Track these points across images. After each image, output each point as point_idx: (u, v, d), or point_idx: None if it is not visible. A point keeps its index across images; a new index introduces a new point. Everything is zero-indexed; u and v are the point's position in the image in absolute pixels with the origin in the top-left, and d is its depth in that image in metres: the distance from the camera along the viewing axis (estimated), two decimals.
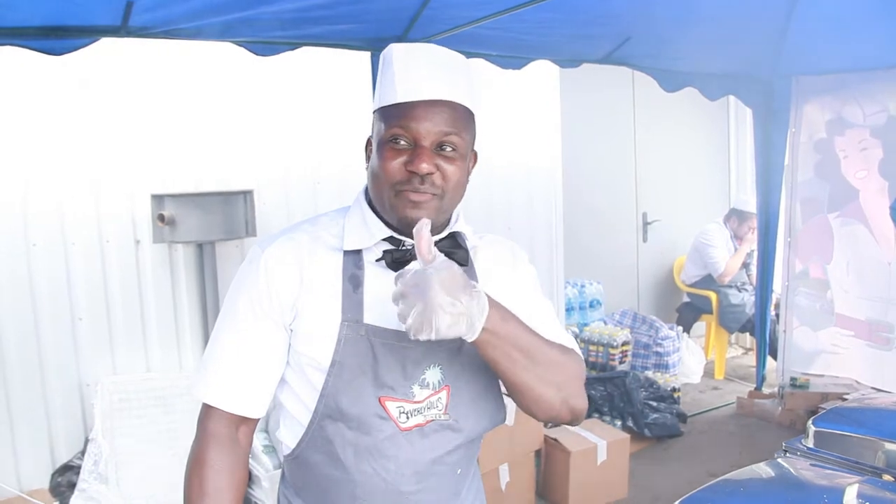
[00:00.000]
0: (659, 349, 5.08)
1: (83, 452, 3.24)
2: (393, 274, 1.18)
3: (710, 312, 5.64)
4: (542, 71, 4.44)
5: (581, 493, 3.51)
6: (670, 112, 5.97)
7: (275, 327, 1.25)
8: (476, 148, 1.37)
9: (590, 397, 4.27)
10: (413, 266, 1.08)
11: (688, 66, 4.11)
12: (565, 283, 5.09)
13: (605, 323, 5.28)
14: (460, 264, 1.24)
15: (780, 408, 4.51)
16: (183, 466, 1.29)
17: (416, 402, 1.24)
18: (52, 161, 3.32)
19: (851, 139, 4.26)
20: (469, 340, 1.09)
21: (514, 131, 4.58)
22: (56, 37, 2.52)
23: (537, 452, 3.61)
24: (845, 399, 3.98)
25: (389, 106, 1.22)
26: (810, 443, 2.16)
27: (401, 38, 3.22)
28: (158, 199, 3.31)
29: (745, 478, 1.95)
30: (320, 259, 1.26)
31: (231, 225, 3.36)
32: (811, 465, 2.06)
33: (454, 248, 1.29)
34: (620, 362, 4.82)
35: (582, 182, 5.51)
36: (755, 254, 5.72)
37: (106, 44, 2.66)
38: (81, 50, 2.59)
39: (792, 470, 2.02)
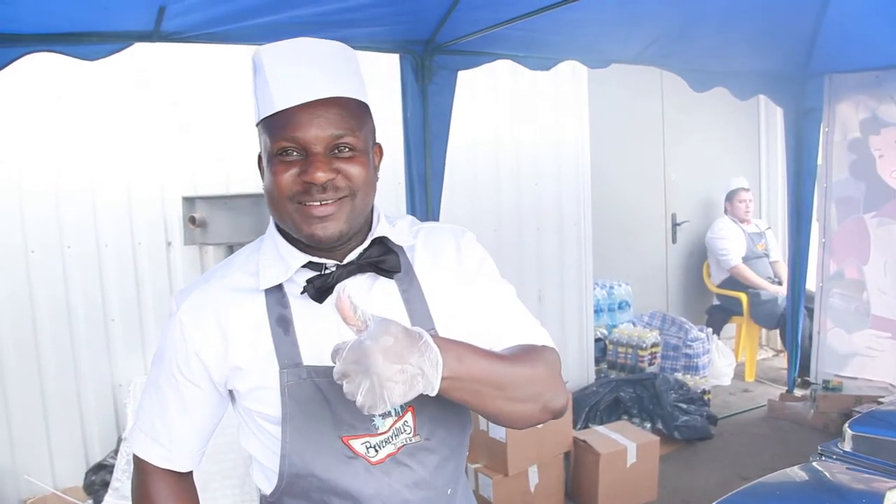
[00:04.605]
0: (688, 351, 5.03)
1: (116, 451, 3.28)
2: (327, 305, 1.12)
3: (740, 314, 5.57)
4: (571, 71, 4.44)
5: (610, 495, 3.48)
6: (699, 112, 5.91)
7: (199, 391, 1.19)
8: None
9: (619, 399, 4.25)
10: (347, 339, 0.95)
11: (717, 65, 4.06)
12: (594, 285, 5.06)
13: (634, 324, 5.23)
14: (392, 271, 1.17)
15: (812, 411, 4.44)
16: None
17: (381, 434, 1.15)
18: (84, 165, 3.36)
19: (887, 138, 4.18)
20: (431, 395, 0.98)
21: (542, 132, 4.56)
22: (90, 42, 2.57)
23: (566, 454, 3.59)
24: (880, 402, 3.91)
25: (270, 117, 1.10)
26: (847, 446, 2.12)
27: (429, 40, 3.23)
28: (189, 201, 3.35)
29: (781, 481, 1.92)
30: (240, 307, 1.16)
31: (261, 227, 3.35)
32: (848, 468, 2.02)
33: (383, 254, 1.17)
34: (650, 364, 4.77)
35: (611, 183, 5.48)
36: (767, 234, 5.70)
37: (138, 48, 2.70)
38: (115, 55, 2.63)
39: (828, 474, 1.99)
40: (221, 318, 1.16)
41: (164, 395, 1.20)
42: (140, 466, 1.24)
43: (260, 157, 1.16)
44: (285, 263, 1.16)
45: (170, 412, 1.20)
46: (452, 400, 1.03)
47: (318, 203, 1.09)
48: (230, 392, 1.22)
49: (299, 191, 1.09)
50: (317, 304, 1.14)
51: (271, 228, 1.22)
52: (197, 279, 1.24)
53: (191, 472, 1.28)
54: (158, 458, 1.22)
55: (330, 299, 1.13)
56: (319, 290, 1.13)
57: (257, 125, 1.14)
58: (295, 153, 1.09)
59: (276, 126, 1.09)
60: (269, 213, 1.16)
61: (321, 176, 1.07)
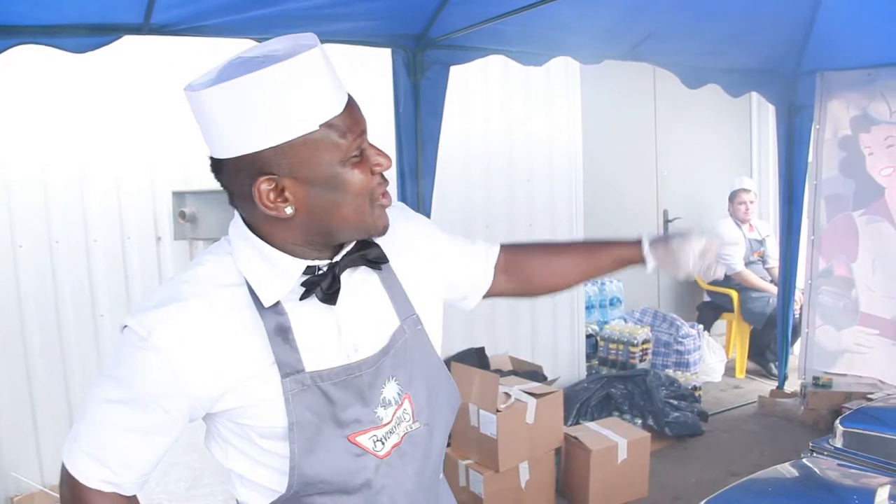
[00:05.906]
0: (679, 347, 5.04)
1: None
2: (320, 305, 1.10)
3: (731, 311, 5.58)
4: (564, 67, 4.43)
5: (601, 491, 3.48)
6: (692, 109, 5.92)
7: (169, 420, 1.09)
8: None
9: (610, 395, 4.26)
10: (680, 237, 1.42)
11: (710, 62, 4.07)
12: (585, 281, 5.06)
13: (626, 321, 5.24)
14: (379, 262, 1.16)
15: (802, 407, 4.47)
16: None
17: (385, 425, 1.16)
18: (73, 159, 3.33)
19: (877, 136, 4.19)
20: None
21: (534, 128, 4.56)
22: (78, 35, 2.54)
23: (557, 451, 3.59)
24: (870, 399, 3.93)
25: (329, 121, 1.02)
26: (838, 443, 2.13)
27: (422, 35, 3.21)
28: (179, 196, 3.33)
29: (772, 477, 1.92)
30: (231, 322, 1.08)
31: None
32: (839, 465, 2.03)
33: (365, 246, 1.15)
34: (641, 360, 4.78)
35: (603, 179, 5.48)
36: (767, 242, 5.70)
37: (128, 42, 2.67)
38: (104, 47, 2.60)
39: (819, 470, 1.99)
40: (211, 340, 1.06)
41: (124, 418, 1.09)
42: (75, 485, 1.12)
43: (266, 191, 1.05)
44: (283, 274, 1.09)
45: (128, 437, 1.10)
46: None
47: (386, 192, 1.11)
48: (208, 414, 1.14)
49: (376, 185, 1.08)
50: (311, 309, 1.11)
51: (249, 240, 1.11)
52: (156, 298, 1.09)
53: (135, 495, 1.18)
54: (102, 481, 1.11)
55: (341, 299, 1.12)
56: (326, 292, 1.09)
57: (281, 145, 1.01)
58: (357, 151, 1.06)
59: (340, 128, 1.03)
60: (325, 226, 1.08)
61: (387, 161, 1.08)
